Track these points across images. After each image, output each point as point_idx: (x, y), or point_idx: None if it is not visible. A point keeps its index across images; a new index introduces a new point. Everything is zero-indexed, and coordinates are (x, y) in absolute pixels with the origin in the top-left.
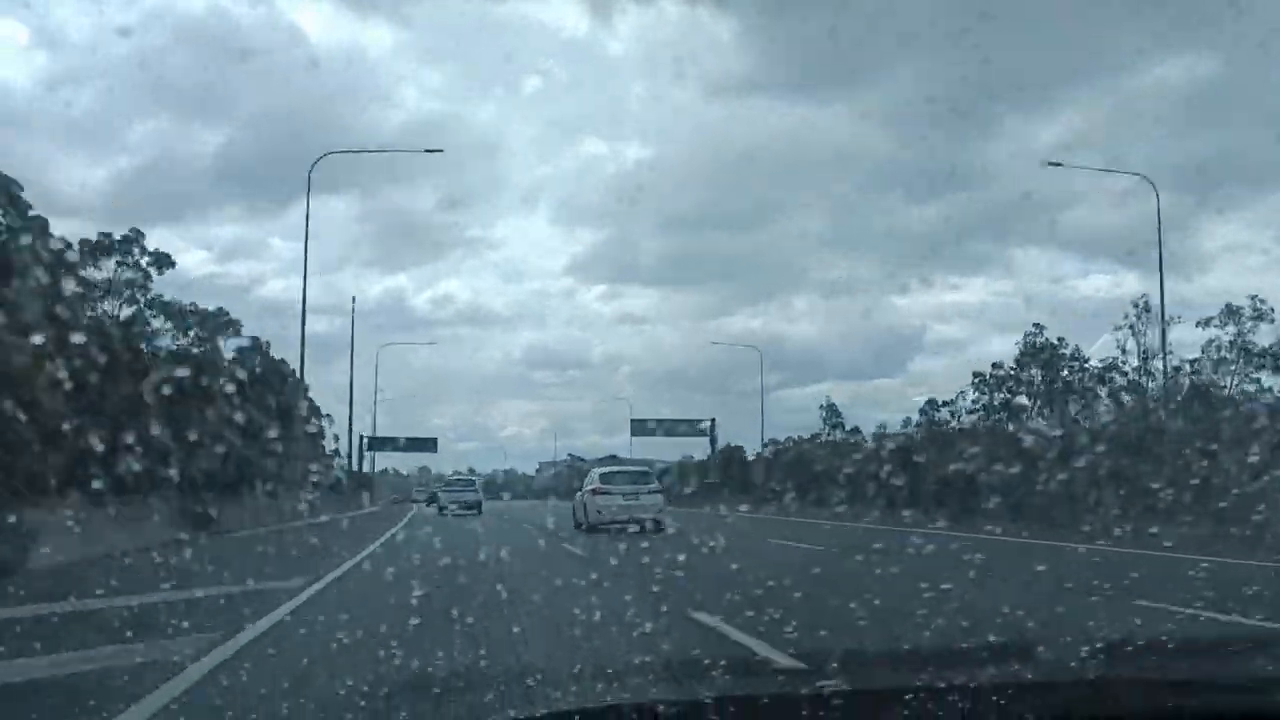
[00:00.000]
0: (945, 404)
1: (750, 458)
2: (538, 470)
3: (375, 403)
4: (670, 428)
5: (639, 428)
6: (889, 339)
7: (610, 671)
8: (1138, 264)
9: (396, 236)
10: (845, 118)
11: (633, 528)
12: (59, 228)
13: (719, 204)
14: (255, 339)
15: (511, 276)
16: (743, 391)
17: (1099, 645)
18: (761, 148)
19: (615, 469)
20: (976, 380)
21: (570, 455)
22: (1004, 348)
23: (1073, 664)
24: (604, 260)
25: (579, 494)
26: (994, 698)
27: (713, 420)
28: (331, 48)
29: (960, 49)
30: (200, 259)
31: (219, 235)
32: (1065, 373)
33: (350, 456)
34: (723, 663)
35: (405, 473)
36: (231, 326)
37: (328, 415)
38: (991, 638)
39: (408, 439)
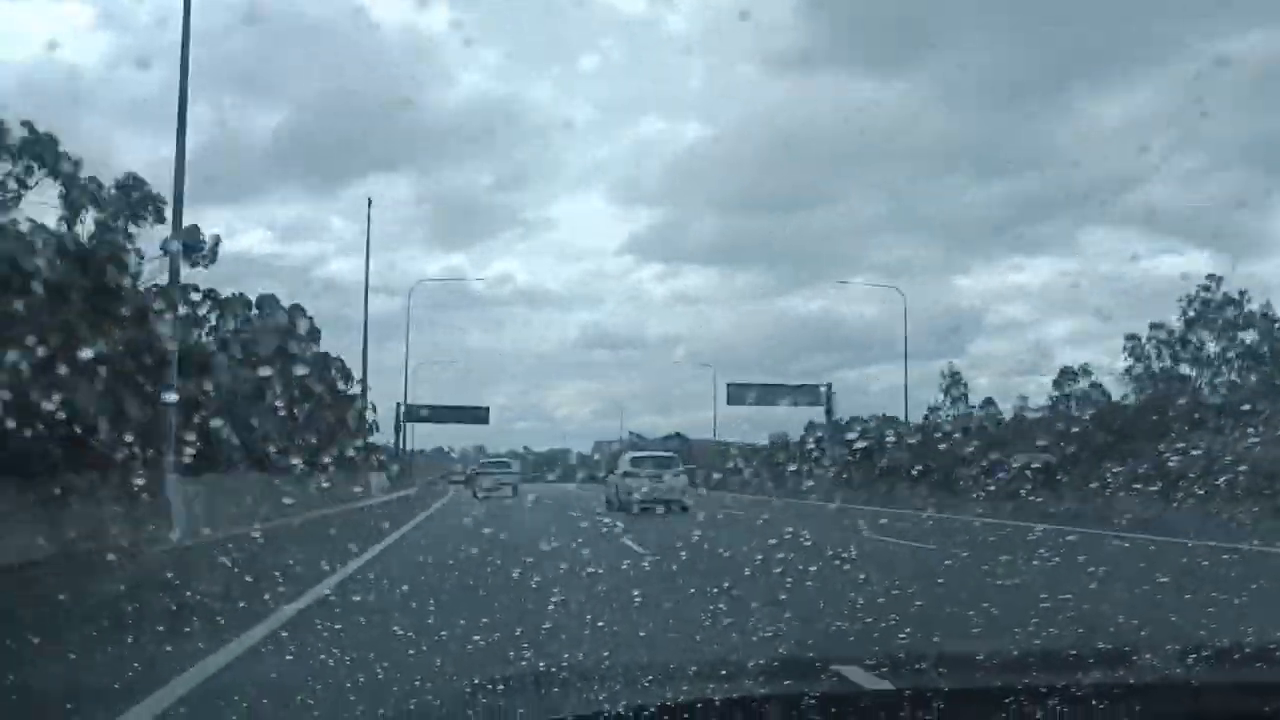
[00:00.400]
0: (1083, 373)
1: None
2: (594, 449)
3: (407, 361)
4: (771, 395)
5: (737, 395)
6: (949, 321)
7: None
8: (1209, 244)
9: (454, 216)
10: (908, 94)
11: (659, 509)
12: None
13: (778, 183)
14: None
15: (568, 256)
16: (807, 369)
17: None
18: (822, 125)
19: (644, 454)
20: (1131, 345)
21: (631, 433)
22: (1066, 328)
23: None
24: (661, 239)
25: (612, 476)
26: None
27: (828, 386)
28: (392, 25)
29: (1030, 22)
30: (260, 238)
31: (279, 215)
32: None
33: (398, 432)
34: None
35: (455, 452)
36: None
37: (359, 383)
38: None
39: (451, 408)
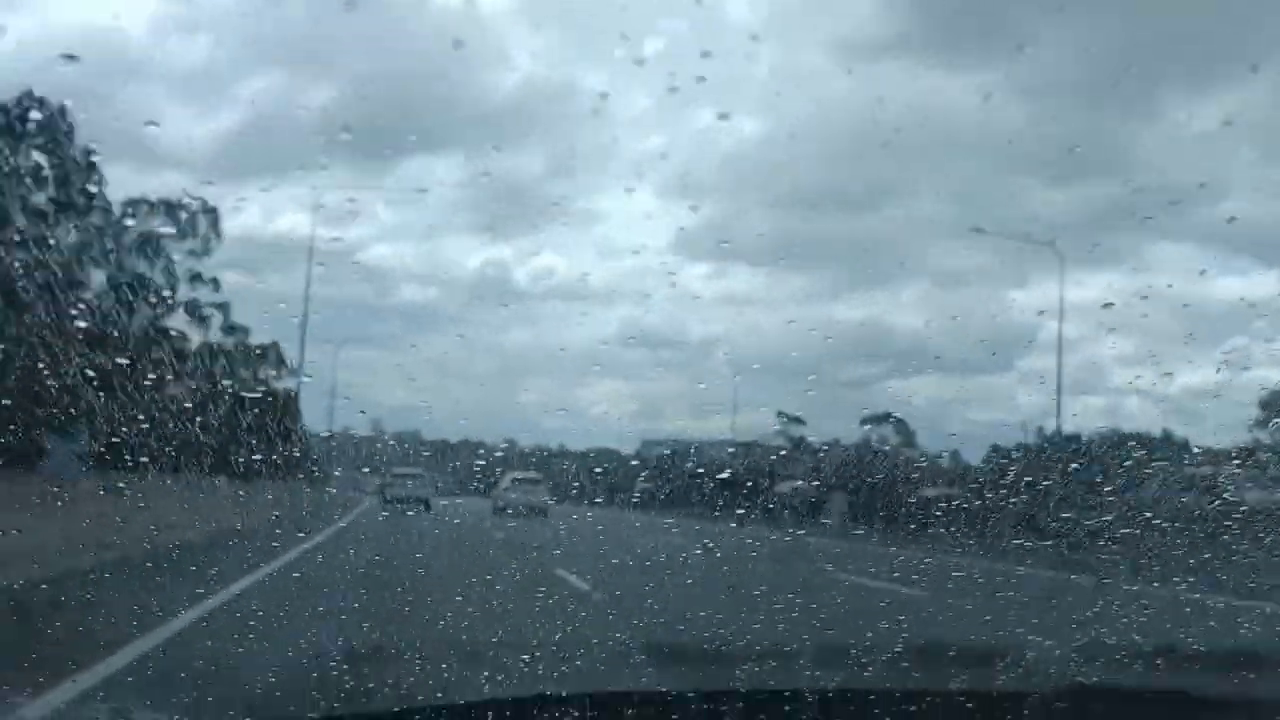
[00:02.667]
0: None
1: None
2: (639, 450)
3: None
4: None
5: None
6: (1000, 333)
7: None
8: None
9: (500, 203)
10: (980, 89)
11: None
12: (168, 179)
13: (837, 180)
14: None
15: (614, 251)
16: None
17: None
18: (886, 121)
19: (521, 475)
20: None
21: (645, 441)
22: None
23: None
24: (710, 237)
25: (495, 490)
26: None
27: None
28: (447, 3)
29: (1116, 15)
30: (300, 221)
31: (322, 197)
32: None
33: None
34: None
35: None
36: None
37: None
38: None
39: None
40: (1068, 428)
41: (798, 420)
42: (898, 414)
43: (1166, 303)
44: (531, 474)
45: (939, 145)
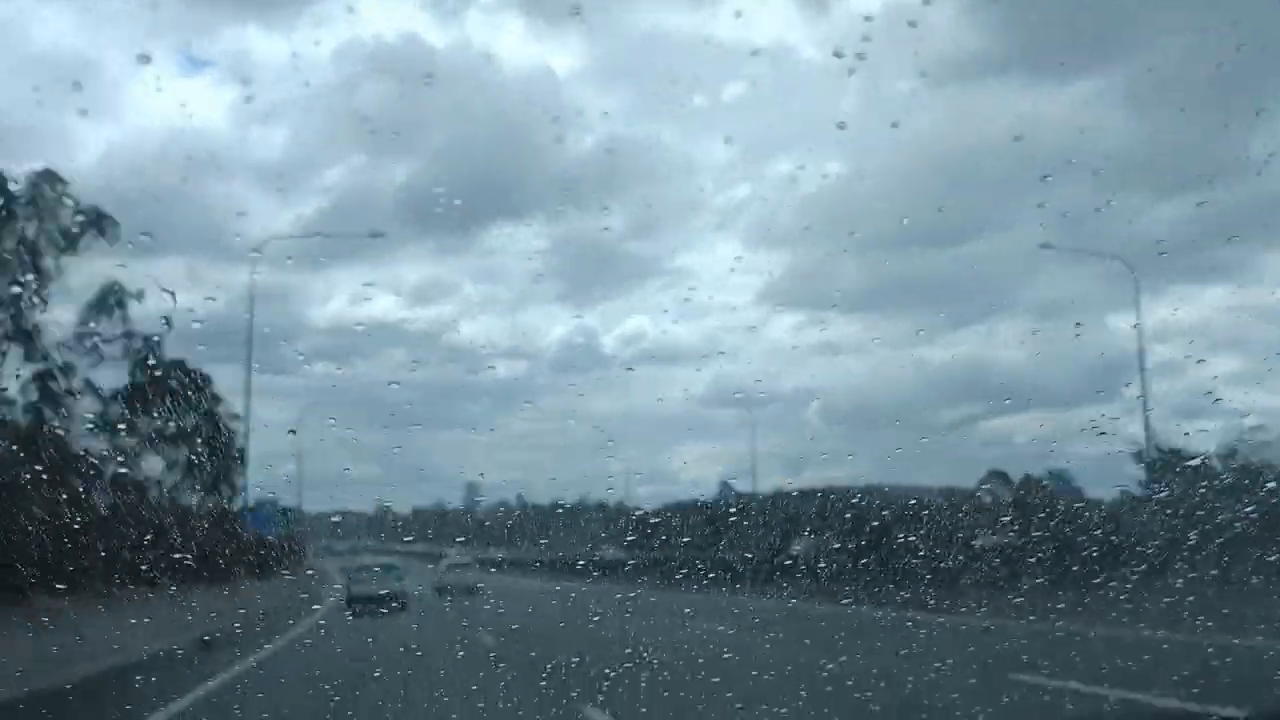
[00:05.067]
0: None
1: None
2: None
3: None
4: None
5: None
6: (1101, 362)
7: None
8: None
9: (580, 268)
10: (1078, 106)
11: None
12: (242, 273)
13: (929, 214)
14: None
15: (700, 308)
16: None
17: None
18: (978, 148)
19: (457, 560)
20: None
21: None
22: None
23: None
24: (800, 286)
25: (437, 570)
26: None
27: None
28: (521, 70)
29: (1220, 17)
30: (390, 304)
31: (406, 276)
32: None
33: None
34: None
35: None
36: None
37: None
38: None
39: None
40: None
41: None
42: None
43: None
44: (463, 558)
45: (1035, 167)
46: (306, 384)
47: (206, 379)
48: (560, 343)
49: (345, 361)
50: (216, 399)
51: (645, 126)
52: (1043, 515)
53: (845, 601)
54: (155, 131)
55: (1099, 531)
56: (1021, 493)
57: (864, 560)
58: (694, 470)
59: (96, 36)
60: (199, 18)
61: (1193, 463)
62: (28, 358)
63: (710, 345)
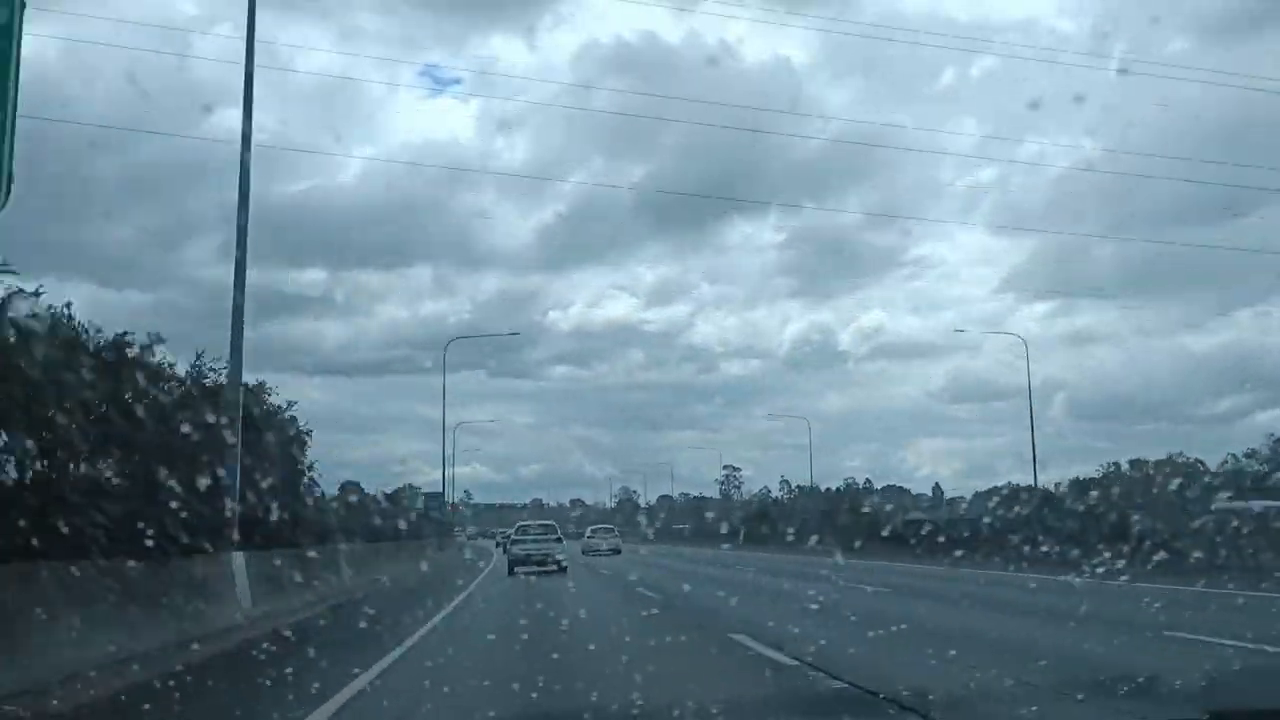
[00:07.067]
0: None
1: None
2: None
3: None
4: None
5: None
6: None
7: None
8: None
9: (818, 261)
10: None
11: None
12: (489, 279)
13: (1196, 187)
14: None
15: (941, 299)
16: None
17: None
18: (1244, 114)
19: (599, 525)
20: None
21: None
22: None
23: None
24: (1049, 272)
25: (584, 539)
26: None
27: None
28: (757, 62)
29: None
30: (629, 306)
31: (642, 277)
32: None
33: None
34: None
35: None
36: None
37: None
38: None
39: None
40: None
41: None
42: None
43: None
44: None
45: None
46: (547, 386)
47: None
48: (794, 340)
49: (584, 364)
50: None
51: (883, 113)
52: None
53: None
54: (408, 148)
55: None
56: None
57: None
58: (929, 468)
59: (352, 63)
60: (445, 30)
61: None
62: None
63: (949, 338)
